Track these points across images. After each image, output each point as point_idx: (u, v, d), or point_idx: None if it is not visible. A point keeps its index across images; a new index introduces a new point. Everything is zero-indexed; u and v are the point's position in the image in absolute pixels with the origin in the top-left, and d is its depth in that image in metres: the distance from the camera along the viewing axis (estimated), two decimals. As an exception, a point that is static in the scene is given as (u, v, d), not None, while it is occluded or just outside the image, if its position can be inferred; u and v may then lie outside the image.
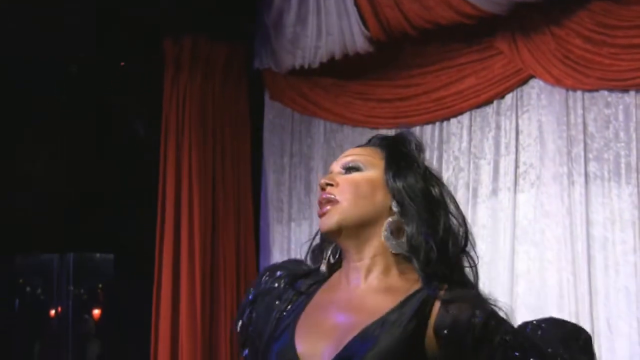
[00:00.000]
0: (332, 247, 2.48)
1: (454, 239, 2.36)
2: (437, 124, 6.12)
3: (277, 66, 6.53)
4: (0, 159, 5.93)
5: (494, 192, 5.83)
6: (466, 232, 2.40)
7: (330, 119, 6.60)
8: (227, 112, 6.59)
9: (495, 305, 2.30)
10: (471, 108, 5.95)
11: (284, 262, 2.70)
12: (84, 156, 6.39)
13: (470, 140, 5.97)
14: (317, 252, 2.53)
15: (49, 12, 5.96)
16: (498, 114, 5.85)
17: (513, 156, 5.74)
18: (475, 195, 5.91)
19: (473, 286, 2.38)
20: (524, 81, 5.70)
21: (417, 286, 2.30)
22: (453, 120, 6.06)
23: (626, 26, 5.20)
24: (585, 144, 5.44)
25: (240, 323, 2.50)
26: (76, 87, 6.31)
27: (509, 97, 5.80)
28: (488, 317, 2.22)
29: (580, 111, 5.46)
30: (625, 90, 5.28)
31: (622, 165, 5.30)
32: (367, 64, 6.19)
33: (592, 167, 5.42)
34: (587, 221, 5.39)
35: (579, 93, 5.46)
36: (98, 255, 6.86)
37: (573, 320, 5.19)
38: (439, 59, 6.03)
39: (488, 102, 5.87)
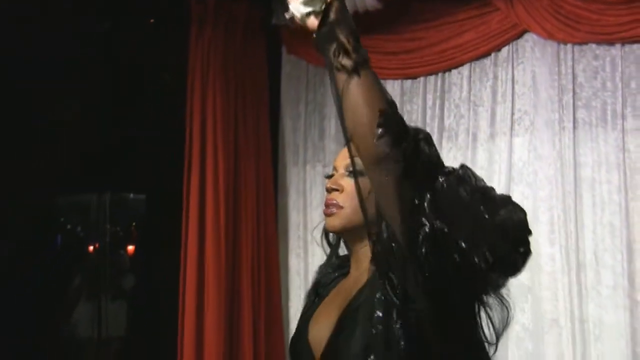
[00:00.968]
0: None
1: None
2: (440, 74, 6.14)
3: (293, 22, 6.48)
4: (43, 107, 5.94)
5: (492, 136, 5.86)
6: None
7: None
8: (247, 65, 6.60)
9: None
10: (471, 60, 5.97)
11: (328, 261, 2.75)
12: (120, 105, 6.42)
13: (469, 89, 5.99)
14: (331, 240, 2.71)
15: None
16: (495, 65, 5.88)
17: (509, 104, 5.78)
18: (474, 139, 5.94)
19: None
20: (519, 35, 5.72)
21: None
22: (454, 71, 6.07)
23: (613, -15, 5.22)
24: (575, 93, 5.47)
25: None
26: (110, 42, 6.34)
27: (505, 50, 5.82)
28: None
29: (570, 63, 5.48)
30: (611, 43, 5.30)
31: (609, 112, 5.34)
32: (375, 20, 6.16)
33: (581, 114, 5.46)
34: (576, 163, 5.44)
35: (569, 46, 5.48)
36: (131, 195, 6.91)
37: (563, 254, 5.38)
38: (441, 14, 6.03)
39: (486, 54, 5.90)
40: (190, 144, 6.34)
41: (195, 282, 6.22)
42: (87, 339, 6.64)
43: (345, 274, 2.60)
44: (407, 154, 2.09)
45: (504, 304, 2.35)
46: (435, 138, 6.00)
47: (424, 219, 2.08)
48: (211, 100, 6.38)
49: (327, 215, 2.50)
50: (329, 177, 2.57)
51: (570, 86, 5.48)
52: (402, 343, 2.24)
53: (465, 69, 6.03)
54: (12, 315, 5.90)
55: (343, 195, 2.48)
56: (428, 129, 6.00)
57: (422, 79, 6.25)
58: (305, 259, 6.77)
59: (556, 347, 5.44)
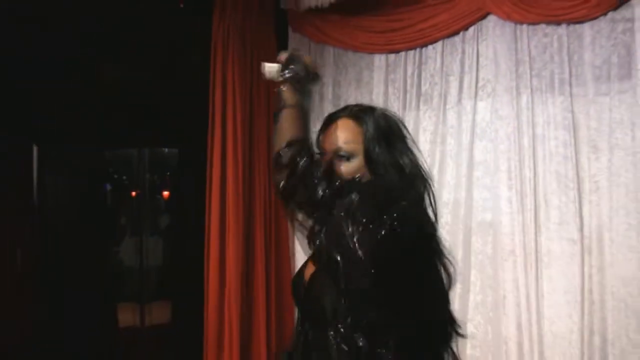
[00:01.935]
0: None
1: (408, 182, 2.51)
2: (418, 49, 6.14)
3: (298, 6, 6.54)
4: (97, 77, 6.04)
5: (460, 100, 5.90)
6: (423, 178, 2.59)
7: (338, 45, 6.64)
8: (260, 41, 6.59)
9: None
10: (443, 37, 5.98)
11: None
12: (157, 75, 6.48)
13: (442, 61, 6.02)
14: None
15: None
16: (463, 42, 5.90)
17: (474, 73, 5.81)
18: (445, 102, 5.98)
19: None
20: (483, 17, 5.74)
21: None
22: (430, 47, 6.09)
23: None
24: (529, 64, 5.52)
25: None
26: (148, 23, 6.35)
27: (471, 29, 5.85)
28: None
29: (525, 40, 5.53)
30: (558, 23, 5.35)
31: (556, 81, 5.40)
32: (367, 3, 6.24)
33: (534, 81, 5.51)
34: (530, 123, 5.51)
35: (524, 26, 5.52)
36: (166, 150, 6.97)
37: (518, 197, 5.46)
38: (420, 0, 6.07)
39: (456, 32, 5.91)
40: (213, 106, 6.36)
41: (219, 220, 6.27)
42: (131, 267, 6.79)
43: None
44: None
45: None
46: (414, 102, 6.13)
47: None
48: (230, 70, 6.39)
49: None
50: (318, 153, 2.61)
51: (525, 59, 5.54)
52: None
53: (438, 45, 6.04)
54: (71, 249, 6.07)
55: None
56: (408, 95, 6.14)
57: (403, 53, 6.24)
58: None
59: (512, 273, 5.53)
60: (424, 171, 2.57)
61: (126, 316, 6.63)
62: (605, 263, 5.18)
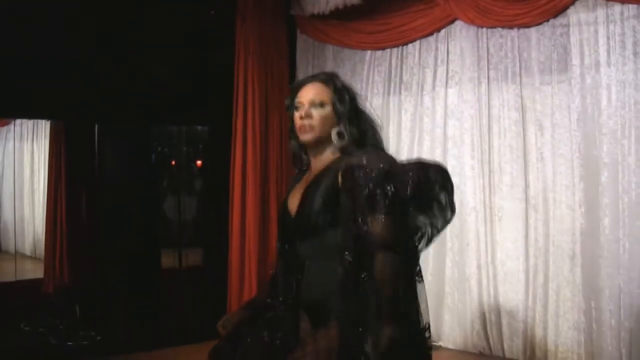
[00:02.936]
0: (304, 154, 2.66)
1: (370, 128, 2.58)
2: (401, 47, 6.23)
3: (304, 12, 6.59)
4: (138, 63, 6.09)
5: (434, 87, 6.01)
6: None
7: (336, 44, 6.69)
8: (274, 41, 6.64)
9: (387, 162, 2.39)
10: (421, 37, 6.06)
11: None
12: (191, 68, 6.52)
13: (420, 56, 6.11)
14: (297, 157, 2.71)
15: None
16: (437, 41, 5.98)
17: (445, 66, 5.93)
18: (422, 89, 6.09)
19: (381, 151, 2.53)
20: (452, 21, 5.83)
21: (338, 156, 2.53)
22: (410, 45, 6.17)
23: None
24: (488, 60, 5.63)
25: None
26: (186, 27, 6.42)
27: (443, 31, 5.93)
28: (368, 164, 2.35)
29: (485, 40, 5.64)
30: (511, 27, 5.45)
31: (509, 73, 5.51)
32: (359, 10, 6.25)
33: (492, 73, 5.62)
34: (488, 105, 5.64)
35: (484, 29, 5.62)
36: (199, 127, 7.04)
37: (479, 164, 5.57)
38: (402, 7, 6.09)
39: (431, 34, 6.00)
40: (237, 94, 6.45)
41: (241, 183, 6.39)
42: (171, 220, 6.92)
43: (307, 171, 2.67)
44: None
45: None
46: (397, 89, 6.24)
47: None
48: (251, 66, 6.47)
49: (303, 132, 2.55)
50: (295, 107, 2.59)
51: (485, 55, 5.65)
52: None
53: (417, 44, 6.11)
54: (125, 207, 6.23)
55: (314, 120, 2.54)
56: (392, 83, 6.25)
57: (388, 50, 6.32)
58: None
59: (474, 225, 5.70)
60: (376, 123, 2.61)
61: (167, 259, 6.73)
62: (548, 217, 5.31)
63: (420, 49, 6.14)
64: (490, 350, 5.58)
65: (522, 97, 5.49)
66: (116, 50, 5.96)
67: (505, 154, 5.57)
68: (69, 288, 6.15)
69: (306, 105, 2.55)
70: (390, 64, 6.35)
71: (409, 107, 6.21)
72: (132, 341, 5.86)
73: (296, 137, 2.61)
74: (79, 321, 5.94)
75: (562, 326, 5.19)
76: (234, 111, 6.48)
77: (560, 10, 5.14)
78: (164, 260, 6.67)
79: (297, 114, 2.58)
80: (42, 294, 6.15)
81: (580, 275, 5.08)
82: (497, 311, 5.55)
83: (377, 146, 2.55)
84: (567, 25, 5.17)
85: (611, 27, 4.93)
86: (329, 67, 6.71)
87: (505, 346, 5.50)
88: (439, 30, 5.98)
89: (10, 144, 6.49)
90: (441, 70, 5.99)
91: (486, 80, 5.67)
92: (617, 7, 4.87)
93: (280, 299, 2.54)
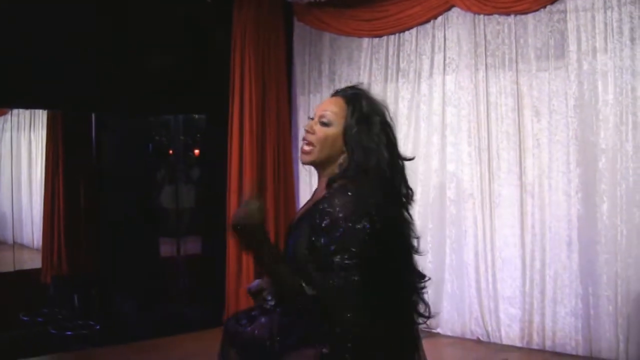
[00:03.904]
0: None
1: (375, 163, 2.29)
2: (398, 34, 6.22)
3: (301, 0, 6.54)
4: (134, 52, 6.07)
5: (431, 75, 6.01)
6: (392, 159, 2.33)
7: (333, 31, 6.66)
8: (271, 28, 6.61)
9: (365, 207, 2.19)
10: (418, 25, 6.05)
11: None
12: (190, 56, 6.54)
13: (417, 44, 6.11)
14: None
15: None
16: (434, 28, 5.99)
17: (442, 53, 5.92)
18: (419, 76, 6.08)
19: (368, 190, 2.26)
20: (449, 8, 5.83)
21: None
22: (407, 32, 6.16)
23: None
24: (485, 46, 5.63)
25: None
26: (183, 15, 6.42)
27: (440, 18, 5.93)
28: (340, 210, 2.17)
29: (482, 26, 5.65)
30: (508, 14, 5.46)
31: (506, 59, 5.52)
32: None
33: (489, 60, 5.63)
34: (486, 92, 5.65)
35: (481, 16, 5.64)
36: (196, 115, 7.07)
37: (476, 151, 5.57)
38: None
39: (427, 21, 6.00)
40: (233, 81, 6.43)
41: (238, 171, 6.38)
42: (169, 208, 6.94)
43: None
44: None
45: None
46: (394, 76, 6.22)
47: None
48: (247, 52, 6.44)
49: (303, 152, 2.39)
50: (311, 119, 2.43)
51: (482, 42, 5.66)
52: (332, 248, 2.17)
53: (414, 31, 6.11)
54: (121, 195, 6.24)
55: (315, 136, 2.36)
56: (389, 70, 6.23)
57: (385, 37, 6.30)
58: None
59: (471, 211, 5.72)
60: (385, 160, 2.33)
61: (165, 248, 6.77)
62: (544, 203, 5.34)
63: (417, 36, 6.13)
64: (488, 337, 5.60)
65: (519, 84, 5.50)
66: (113, 40, 5.95)
67: (502, 141, 5.59)
68: (67, 278, 6.16)
69: (316, 119, 2.40)
70: (387, 52, 6.34)
71: (406, 95, 6.21)
72: (130, 330, 5.88)
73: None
74: (78, 310, 5.95)
75: (559, 312, 5.22)
76: (231, 99, 6.47)
77: (558, -4, 5.16)
78: (162, 249, 6.71)
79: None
80: (41, 283, 6.16)
81: (578, 262, 5.12)
82: (495, 298, 5.57)
83: (368, 178, 2.30)
84: (564, 12, 5.19)
85: (608, 13, 4.96)
86: (326, 54, 6.73)
87: (503, 333, 5.52)
88: (435, 17, 5.97)
89: (8, 134, 6.47)
90: (438, 58, 5.99)
91: (483, 67, 5.68)
92: (614, -7, 4.90)
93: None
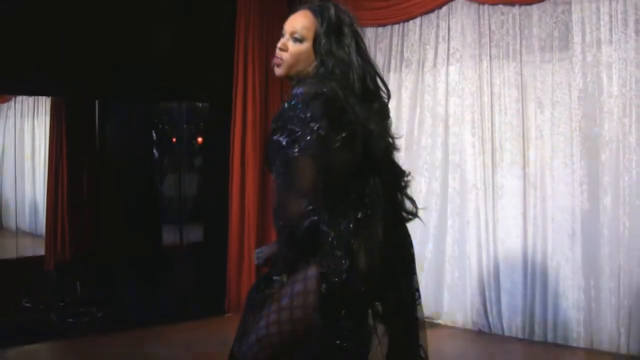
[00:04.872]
0: None
1: (346, 69, 2.32)
2: (402, 23, 6.18)
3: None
4: (138, 38, 6.09)
5: (435, 65, 5.98)
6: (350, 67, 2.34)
7: None
8: (274, 10, 6.51)
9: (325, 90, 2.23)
10: (422, 14, 6.02)
11: None
12: (193, 44, 6.52)
13: (421, 33, 6.06)
14: None
15: None
16: (438, 18, 5.95)
17: (446, 44, 5.89)
18: (423, 67, 6.05)
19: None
20: None
21: None
22: (411, 22, 6.12)
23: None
24: (489, 37, 5.61)
25: None
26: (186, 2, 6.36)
27: (445, 8, 5.89)
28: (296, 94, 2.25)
29: (486, 17, 5.62)
30: (512, 4, 5.44)
31: (510, 50, 5.50)
32: None
33: (493, 50, 5.60)
34: (489, 83, 5.62)
35: (486, 6, 5.62)
36: (200, 104, 7.05)
37: (479, 142, 5.57)
38: None
39: (432, 10, 5.96)
40: (237, 70, 6.43)
41: (240, 159, 6.39)
42: (172, 196, 6.95)
43: None
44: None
45: None
46: (397, 66, 6.19)
47: None
48: (251, 41, 6.44)
49: (275, 65, 2.43)
50: (281, 35, 2.44)
51: (486, 32, 5.63)
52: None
53: (418, 20, 6.07)
54: (125, 184, 6.24)
55: (287, 53, 2.39)
56: (393, 60, 6.21)
57: (389, 26, 6.27)
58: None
59: (474, 202, 5.69)
60: (356, 67, 2.36)
61: (168, 235, 6.77)
62: (547, 195, 5.33)
63: (421, 26, 6.10)
64: (490, 329, 5.60)
65: (522, 75, 5.48)
66: (116, 26, 5.93)
67: (506, 132, 5.57)
68: (70, 265, 6.17)
69: (286, 36, 2.42)
70: (391, 41, 6.30)
71: (409, 85, 6.18)
72: (133, 317, 5.90)
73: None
74: (80, 298, 5.97)
75: (561, 304, 5.21)
76: (234, 86, 6.46)
77: (564, -13, 5.13)
78: (165, 237, 6.72)
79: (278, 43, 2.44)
80: (43, 270, 6.17)
81: (580, 254, 5.11)
82: (497, 289, 5.56)
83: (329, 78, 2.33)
84: (569, 3, 5.17)
85: (613, 4, 4.93)
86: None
87: (505, 324, 5.52)
88: (440, 7, 5.94)
89: (11, 121, 6.48)
90: (442, 48, 5.96)
91: (487, 58, 5.65)
92: (620, -15, 4.87)
93: None
